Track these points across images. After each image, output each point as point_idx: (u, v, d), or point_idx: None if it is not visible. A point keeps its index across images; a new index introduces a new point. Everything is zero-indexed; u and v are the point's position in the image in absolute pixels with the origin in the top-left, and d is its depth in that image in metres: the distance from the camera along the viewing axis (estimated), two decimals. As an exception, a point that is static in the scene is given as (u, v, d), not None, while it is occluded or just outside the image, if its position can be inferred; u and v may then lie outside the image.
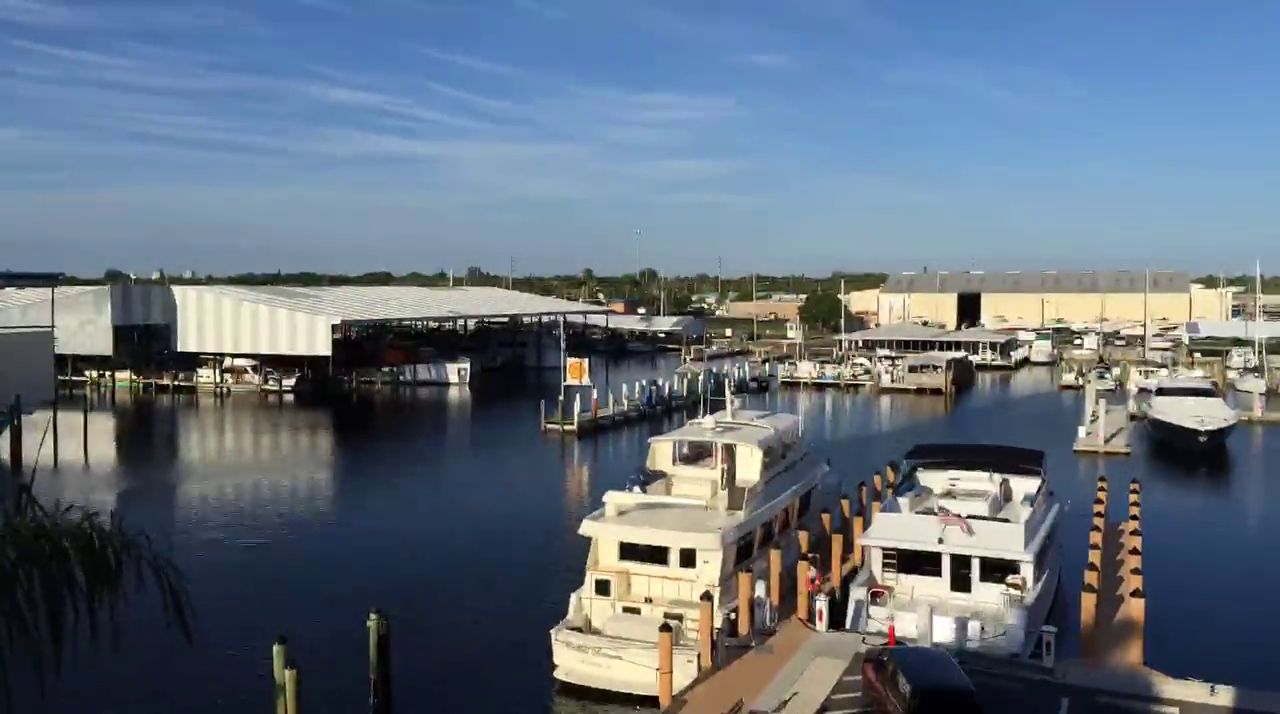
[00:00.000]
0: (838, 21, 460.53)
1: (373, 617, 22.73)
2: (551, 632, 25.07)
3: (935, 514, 26.89)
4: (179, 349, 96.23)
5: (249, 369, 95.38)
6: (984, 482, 30.68)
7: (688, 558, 25.71)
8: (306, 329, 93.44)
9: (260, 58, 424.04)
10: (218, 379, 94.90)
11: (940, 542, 25.56)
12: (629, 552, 26.31)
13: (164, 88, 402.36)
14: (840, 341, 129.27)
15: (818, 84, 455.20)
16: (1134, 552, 30.00)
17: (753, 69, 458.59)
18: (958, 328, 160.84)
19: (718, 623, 23.44)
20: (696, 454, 31.89)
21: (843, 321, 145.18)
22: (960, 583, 25.50)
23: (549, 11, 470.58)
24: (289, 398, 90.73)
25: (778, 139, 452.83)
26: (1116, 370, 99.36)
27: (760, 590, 25.09)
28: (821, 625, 24.28)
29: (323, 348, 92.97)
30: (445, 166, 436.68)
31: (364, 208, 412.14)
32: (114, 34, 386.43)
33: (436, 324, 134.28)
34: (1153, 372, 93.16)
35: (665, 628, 22.06)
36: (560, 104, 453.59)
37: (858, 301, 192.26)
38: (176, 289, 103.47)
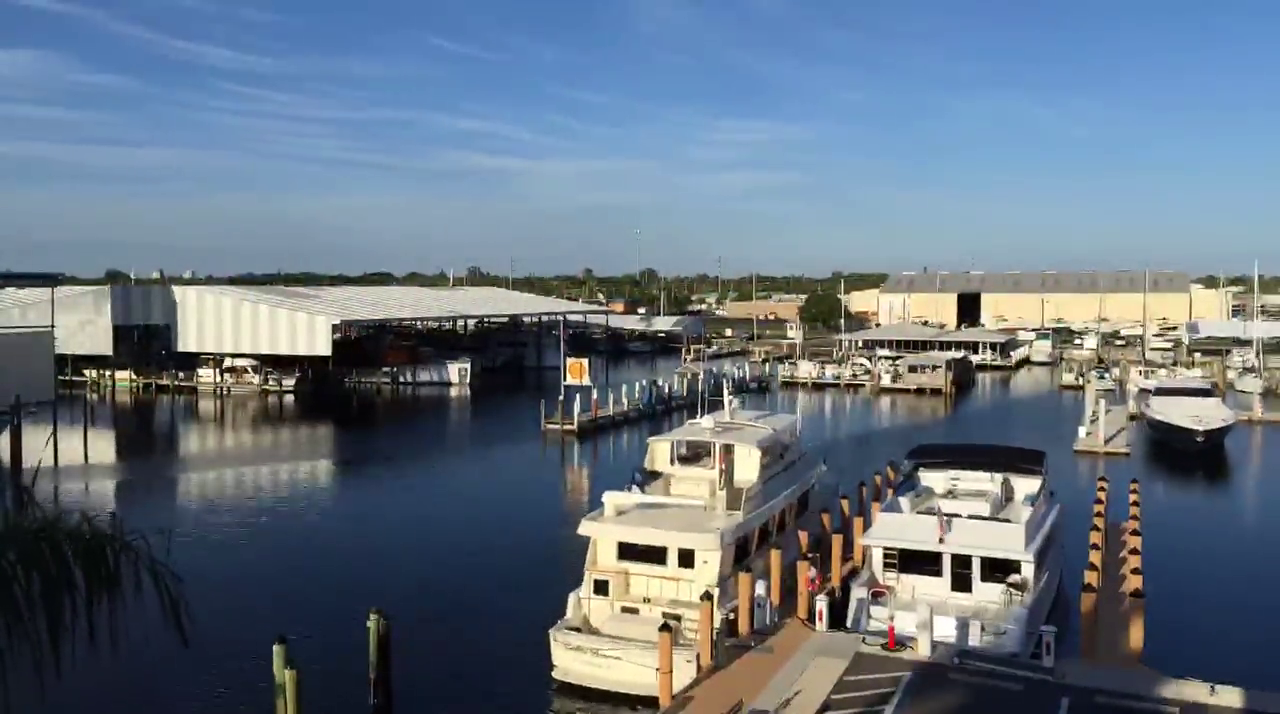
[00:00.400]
0: (917, 64, 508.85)
1: (373, 617, 22.74)
2: (550, 632, 25.05)
3: (936, 514, 26.89)
4: (179, 349, 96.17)
5: (249, 369, 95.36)
6: (985, 482, 30.67)
7: (686, 558, 25.70)
8: (306, 329, 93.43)
9: (410, 95, 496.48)
10: (218, 379, 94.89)
11: (941, 541, 25.56)
12: (628, 551, 26.30)
13: (322, 117, 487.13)
14: (840, 342, 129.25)
15: (888, 113, 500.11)
16: (1134, 552, 30.01)
17: (836, 102, 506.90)
18: (958, 328, 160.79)
19: (717, 623, 23.43)
20: (695, 454, 31.88)
21: (843, 322, 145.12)
22: (961, 583, 25.50)
23: (659, 54, 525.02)
24: (289, 398, 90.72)
25: (834, 156, 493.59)
26: (1116, 370, 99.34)
27: (760, 590, 25.09)
28: (821, 625, 24.26)
29: (323, 348, 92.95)
30: (524, 179, 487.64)
31: (442, 213, 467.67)
32: (299, 77, 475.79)
33: (436, 324, 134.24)
34: (1152, 372, 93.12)
35: (665, 628, 22.05)
36: (649, 128, 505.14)
37: (858, 301, 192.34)
38: (176, 289, 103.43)
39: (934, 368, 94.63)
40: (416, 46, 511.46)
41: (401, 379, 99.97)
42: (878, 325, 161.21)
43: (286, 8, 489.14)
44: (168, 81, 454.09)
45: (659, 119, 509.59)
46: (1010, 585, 24.94)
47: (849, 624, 24.83)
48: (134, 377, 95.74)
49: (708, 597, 23.40)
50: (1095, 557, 27.90)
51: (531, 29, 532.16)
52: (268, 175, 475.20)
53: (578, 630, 25.13)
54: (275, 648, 20.22)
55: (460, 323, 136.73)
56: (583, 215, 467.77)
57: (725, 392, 37.33)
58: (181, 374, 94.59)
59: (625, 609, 25.57)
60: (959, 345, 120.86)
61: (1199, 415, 57.76)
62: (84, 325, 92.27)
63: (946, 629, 23.42)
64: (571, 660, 24.45)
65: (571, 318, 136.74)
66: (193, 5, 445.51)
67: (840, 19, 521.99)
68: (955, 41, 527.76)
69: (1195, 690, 20.34)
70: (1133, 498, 35.47)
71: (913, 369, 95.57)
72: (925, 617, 22.75)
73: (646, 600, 25.59)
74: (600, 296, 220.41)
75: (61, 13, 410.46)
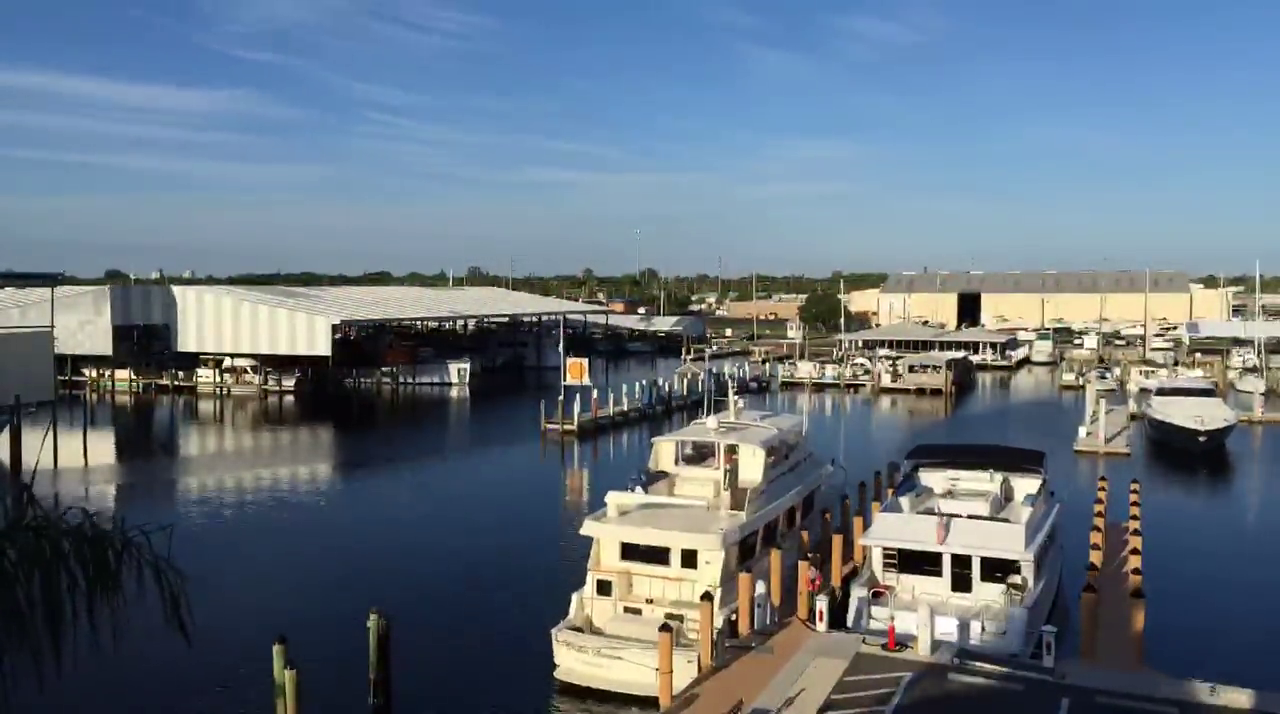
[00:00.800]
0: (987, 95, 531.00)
1: (373, 617, 22.73)
2: (552, 632, 25.06)
3: (936, 514, 26.89)
4: (179, 349, 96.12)
5: (249, 369, 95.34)
6: (985, 482, 30.66)
7: (689, 558, 25.69)
8: (306, 329, 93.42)
9: (523, 122, 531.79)
10: (217, 379, 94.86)
11: (941, 542, 25.55)
12: (630, 552, 26.29)
13: (438, 140, 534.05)
14: (840, 341, 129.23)
15: (941, 133, 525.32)
16: (1134, 552, 29.96)
17: (903, 126, 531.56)
18: (958, 328, 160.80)
19: (718, 623, 23.42)
20: (699, 454, 31.88)
21: (843, 322, 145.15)
22: (961, 583, 25.49)
23: (760, 90, 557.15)
24: (289, 398, 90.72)
25: (877, 168, 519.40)
26: (1117, 370, 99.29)
27: (761, 590, 25.08)
28: (822, 625, 24.25)
29: (323, 348, 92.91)
30: (589, 191, 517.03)
31: (512, 219, 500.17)
32: (433, 111, 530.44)
33: (436, 324, 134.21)
34: (1153, 372, 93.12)
35: (665, 628, 22.05)
36: (724, 148, 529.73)
37: (858, 301, 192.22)
38: (176, 289, 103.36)
39: (934, 368, 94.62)
40: (544, 85, 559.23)
41: (401, 379, 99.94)
42: (878, 325, 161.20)
43: (446, 55, 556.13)
44: (328, 111, 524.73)
45: (730, 139, 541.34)
46: (1010, 586, 24.93)
47: (849, 624, 24.82)
48: (133, 377, 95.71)
49: (708, 597, 23.40)
50: (1095, 557, 27.91)
51: (648, 71, 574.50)
52: (369, 187, 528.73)
53: (580, 630, 25.13)
54: (275, 648, 20.22)
55: (460, 323, 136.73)
56: (643, 220, 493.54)
57: (730, 392, 37.35)
58: (181, 374, 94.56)
59: (628, 609, 25.56)
60: (959, 345, 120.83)
61: (1201, 415, 57.66)
62: (84, 325, 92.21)
63: (946, 629, 23.41)
64: (573, 660, 24.44)
65: (571, 318, 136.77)
66: (378, 53, 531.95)
67: (923, 60, 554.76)
68: (968, 55, 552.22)
69: (1195, 690, 20.33)
70: (1133, 498, 35.44)
71: (913, 369, 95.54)
72: (925, 617, 22.74)
73: (649, 601, 25.58)
74: (600, 296, 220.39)
75: (269, 62, 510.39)
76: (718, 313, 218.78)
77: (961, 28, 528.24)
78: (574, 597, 26.06)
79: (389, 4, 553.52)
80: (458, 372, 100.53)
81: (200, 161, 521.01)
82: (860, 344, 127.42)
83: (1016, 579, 25.01)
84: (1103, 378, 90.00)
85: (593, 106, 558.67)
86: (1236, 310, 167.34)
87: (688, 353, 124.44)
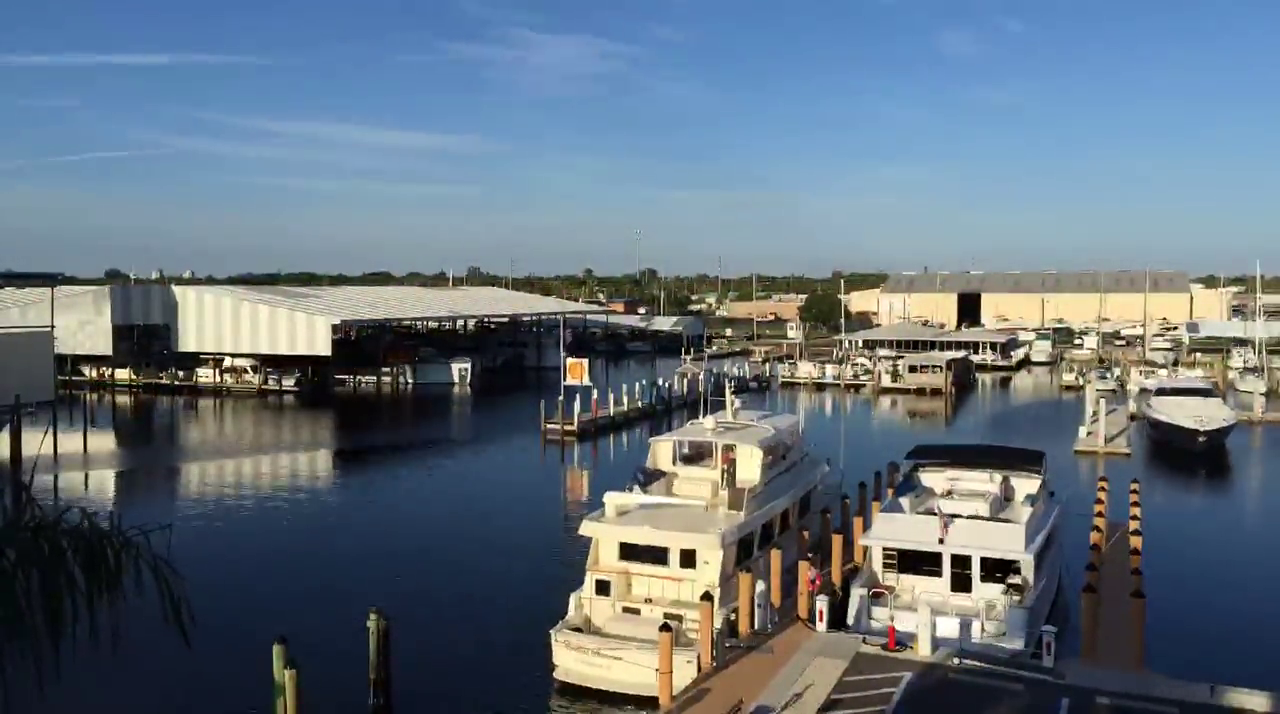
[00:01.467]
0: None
1: (373, 616, 22.74)
2: (551, 632, 25.06)
3: (936, 514, 26.88)
4: (179, 349, 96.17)
5: (249, 369, 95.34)
6: (985, 482, 30.66)
7: (688, 558, 25.70)
8: (306, 329, 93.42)
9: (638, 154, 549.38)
10: (217, 379, 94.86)
11: (941, 542, 25.56)
12: (629, 552, 26.30)
13: (571, 164, 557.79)
14: (840, 341, 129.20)
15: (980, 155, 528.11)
16: (1134, 552, 29.95)
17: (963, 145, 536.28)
18: (958, 328, 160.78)
19: (718, 623, 23.42)
20: (697, 454, 31.89)
21: (843, 322, 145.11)
22: (961, 583, 25.49)
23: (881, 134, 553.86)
24: (289, 398, 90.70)
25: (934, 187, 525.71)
26: (1117, 370, 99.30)
27: (761, 590, 25.08)
28: (822, 625, 24.26)
29: (323, 348, 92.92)
30: (676, 205, 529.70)
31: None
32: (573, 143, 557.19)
33: (436, 324, 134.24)
34: (1153, 372, 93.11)
35: (665, 628, 22.04)
36: (811, 173, 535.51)
37: (858, 301, 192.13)
38: (176, 289, 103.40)
39: (934, 368, 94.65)
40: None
41: (401, 379, 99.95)
42: (878, 325, 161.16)
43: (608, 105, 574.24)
44: (515, 145, 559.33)
45: (823, 164, 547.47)
46: (1010, 586, 24.93)
47: (849, 624, 24.82)
48: (134, 376, 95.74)
49: (708, 597, 23.40)
50: (1095, 557, 27.90)
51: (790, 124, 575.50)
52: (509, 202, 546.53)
53: (579, 630, 25.13)
54: (275, 648, 20.22)
55: (460, 323, 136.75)
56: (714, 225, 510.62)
57: (727, 391, 37.34)
58: (181, 374, 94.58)
59: (627, 609, 25.56)
60: (959, 345, 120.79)
61: (1201, 415, 57.67)
62: (84, 325, 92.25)
63: (946, 629, 23.41)
64: (572, 660, 24.44)
65: (571, 318, 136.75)
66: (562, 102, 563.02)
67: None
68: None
69: (1195, 690, 20.34)
70: (1133, 498, 35.44)
71: (913, 369, 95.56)
72: (925, 617, 22.74)
73: (648, 601, 25.59)
74: (600, 297, 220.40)
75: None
76: (718, 313, 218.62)
77: (1049, 85, 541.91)
78: (573, 597, 26.06)
79: (636, 84, 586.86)
80: (458, 372, 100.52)
81: (379, 184, 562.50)
82: (860, 344, 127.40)
83: (1016, 579, 25.01)
84: (1103, 378, 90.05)
85: (724, 142, 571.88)
86: (1236, 310, 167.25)
87: (688, 353, 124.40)
